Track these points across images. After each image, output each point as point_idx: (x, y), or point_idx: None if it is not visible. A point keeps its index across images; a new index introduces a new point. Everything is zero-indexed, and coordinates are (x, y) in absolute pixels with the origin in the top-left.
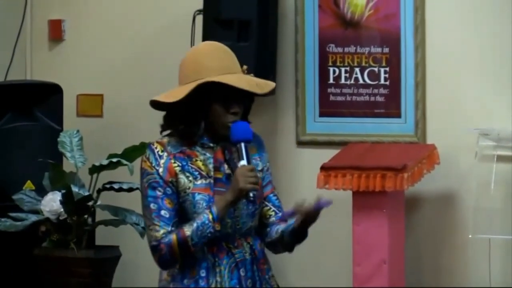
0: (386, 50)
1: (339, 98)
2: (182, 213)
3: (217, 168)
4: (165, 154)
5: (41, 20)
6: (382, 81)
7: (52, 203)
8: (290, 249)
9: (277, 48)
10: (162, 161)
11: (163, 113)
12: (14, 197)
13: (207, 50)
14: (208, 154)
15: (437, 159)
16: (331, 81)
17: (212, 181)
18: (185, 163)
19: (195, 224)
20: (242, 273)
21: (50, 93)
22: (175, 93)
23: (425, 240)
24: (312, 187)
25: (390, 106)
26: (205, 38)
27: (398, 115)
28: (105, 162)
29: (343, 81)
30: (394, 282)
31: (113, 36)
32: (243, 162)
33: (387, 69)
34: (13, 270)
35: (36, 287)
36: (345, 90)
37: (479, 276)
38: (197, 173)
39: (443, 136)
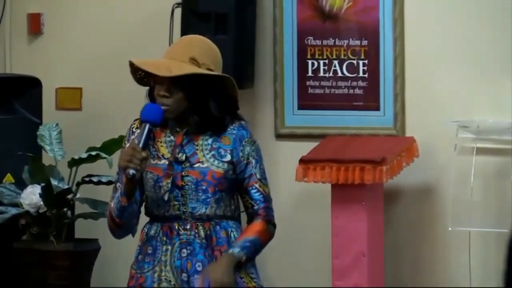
0: (365, 42)
1: (318, 91)
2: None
3: (174, 151)
4: (138, 131)
5: (20, 13)
6: (361, 74)
7: (31, 196)
8: None
9: (256, 41)
10: (132, 137)
11: (140, 106)
12: None
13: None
14: (172, 137)
15: (416, 151)
16: (309, 73)
17: (167, 162)
18: (151, 142)
19: (115, 198)
20: (183, 254)
21: (29, 87)
22: None
23: (404, 233)
24: (291, 180)
25: (369, 99)
26: (183, 31)
27: (377, 108)
28: (84, 155)
29: (321, 73)
30: (373, 274)
31: (92, 29)
32: (137, 141)
33: (366, 61)
34: None
35: (16, 280)
36: (323, 83)
37: (459, 268)
38: (155, 153)
39: (422, 128)
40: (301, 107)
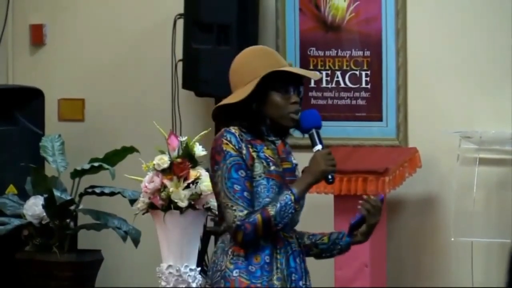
0: (368, 53)
1: (321, 102)
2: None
3: (284, 159)
4: (243, 139)
5: (23, 24)
6: (363, 85)
7: (34, 207)
8: (330, 255)
9: None
10: (243, 145)
11: (144, 118)
12: None
13: (254, 52)
14: (273, 146)
15: (419, 162)
16: (312, 84)
17: (281, 170)
18: (259, 150)
19: (278, 205)
20: (298, 262)
21: (32, 98)
22: (238, 95)
23: (407, 244)
24: None
25: (372, 110)
26: (185, 42)
27: (379, 119)
28: (86, 166)
29: (324, 84)
30: (375, 285)
31: (95, 40)
32: (319, 146)
33: (369, 72)
34: None
35: None
36: (326, 94)
37: (461, 279)
38: (269, 160)
39: (425, 139)
40: None
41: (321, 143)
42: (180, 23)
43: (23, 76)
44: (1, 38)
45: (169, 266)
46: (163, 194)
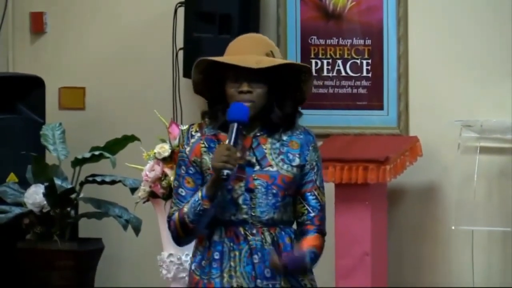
0: (369, 42)
1: (321, 90)
2: None
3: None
4: (198, 134)
5: (23, 12)
6: (364, 73)
7: (35, 195)
8: None
9: None
10: (192, 141)
11: (144, 107)
12: None
13: (233, 41)
14: (239, 141)
15: (420, 151)
16: (313, 73)
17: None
18: (213, 145)
19: (190, 203)
20: (255, 260)
21: (32, 86)
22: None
23: (407, 232)
24: None
25: (373, 99)
26: (186, 31)
27: (380, 108)
28: (87, 155)
29: (325, 73)
30: (376, 274)
31: (95, 28)
32: (227, 141)
33: (370, 61)
34: None
35: (19, 280)
36: (327, 82)
37: (462, 267)
38: None
39: (426, 128)
40: (304, 106)
41: (234, 139)
42: (181, 11)
43: (23, 65)
44: (1, 26)
45: (170, 254)
46: (164, 183)
